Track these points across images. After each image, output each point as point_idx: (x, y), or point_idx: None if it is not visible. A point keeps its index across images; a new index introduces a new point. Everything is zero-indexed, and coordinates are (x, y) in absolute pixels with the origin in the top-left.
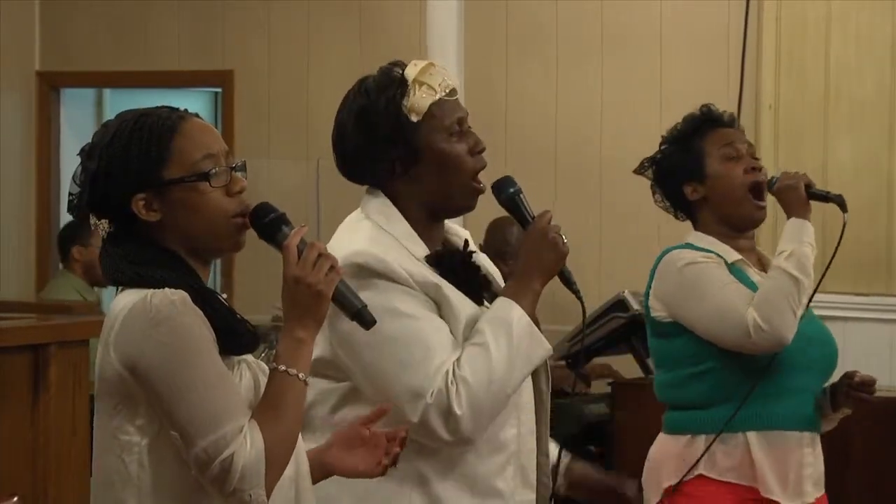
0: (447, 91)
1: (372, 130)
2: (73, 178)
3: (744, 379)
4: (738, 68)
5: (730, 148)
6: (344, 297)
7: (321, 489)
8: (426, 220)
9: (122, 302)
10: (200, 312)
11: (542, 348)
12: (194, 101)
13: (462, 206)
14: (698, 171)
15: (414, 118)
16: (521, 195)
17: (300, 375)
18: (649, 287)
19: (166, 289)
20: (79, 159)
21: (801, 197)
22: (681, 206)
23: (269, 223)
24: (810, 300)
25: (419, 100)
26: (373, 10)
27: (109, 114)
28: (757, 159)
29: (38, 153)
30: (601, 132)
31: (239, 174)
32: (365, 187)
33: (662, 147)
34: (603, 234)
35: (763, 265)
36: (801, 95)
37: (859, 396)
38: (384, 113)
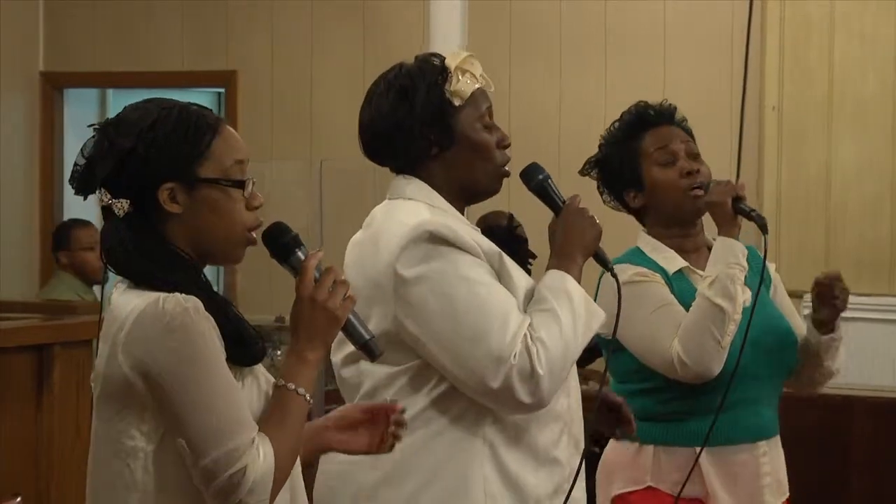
0: (485, 82)
1: (412, 109)
2: (82, 150)
3: (690, 394)
4: (741, 69)
5: (664, 152)
6: (353, 327)
7: (380, 471)
8: (457, 203)
9: (132, 303)
10: (213, 320)
11: (598, 317)
12: (197, 102)
13: (489, 189)
14: (636, 179)
15: (457, 102)
16: (550, 180)
17: (307, 396)
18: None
19: (177, 294)
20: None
21: (727, 214)
22: (627, 210)
23: (284, 244)
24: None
25: (463, 85)
26: (376, 10)
27: (112, 114)
28: (696, 156)
29: (41, 153)
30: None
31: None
32: (376, 183)
33: (601, 147)
34: (604, 234)
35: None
36: (804, 96)
37: (831, 297)
38: (427, 94)
